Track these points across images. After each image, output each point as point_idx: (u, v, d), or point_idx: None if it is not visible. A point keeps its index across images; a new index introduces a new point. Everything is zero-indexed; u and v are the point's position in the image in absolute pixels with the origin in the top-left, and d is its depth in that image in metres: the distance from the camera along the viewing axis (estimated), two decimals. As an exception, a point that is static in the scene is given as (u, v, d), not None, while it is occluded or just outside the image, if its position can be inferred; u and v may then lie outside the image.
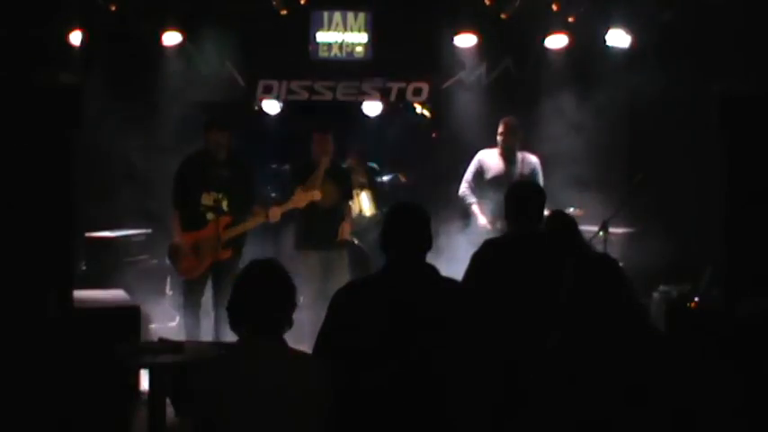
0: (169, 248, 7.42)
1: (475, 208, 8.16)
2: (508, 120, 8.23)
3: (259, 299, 3.55)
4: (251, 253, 7.85)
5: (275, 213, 7.49)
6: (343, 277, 7.69)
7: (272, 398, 3.42)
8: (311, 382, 3.49)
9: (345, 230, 7.94)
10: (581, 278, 3.85)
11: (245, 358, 3.53)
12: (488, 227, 7.99)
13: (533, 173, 8.11)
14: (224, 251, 7.34)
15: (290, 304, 3.59)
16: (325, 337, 3.75)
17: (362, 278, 3.97)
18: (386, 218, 3.99)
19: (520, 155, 8.19)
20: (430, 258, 3.93)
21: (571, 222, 5.38)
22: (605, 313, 3.78)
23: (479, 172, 8.24)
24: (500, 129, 8.20)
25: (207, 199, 7.34)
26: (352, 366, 3.63)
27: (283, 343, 3.58)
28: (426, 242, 3.85)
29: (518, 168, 8.11)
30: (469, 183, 8.26)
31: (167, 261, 7.55)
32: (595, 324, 3.78)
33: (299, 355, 3.63)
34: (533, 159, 8.20)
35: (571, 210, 7.83)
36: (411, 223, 3.86)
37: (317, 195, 7.56)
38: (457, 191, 8.37)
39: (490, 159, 8.23)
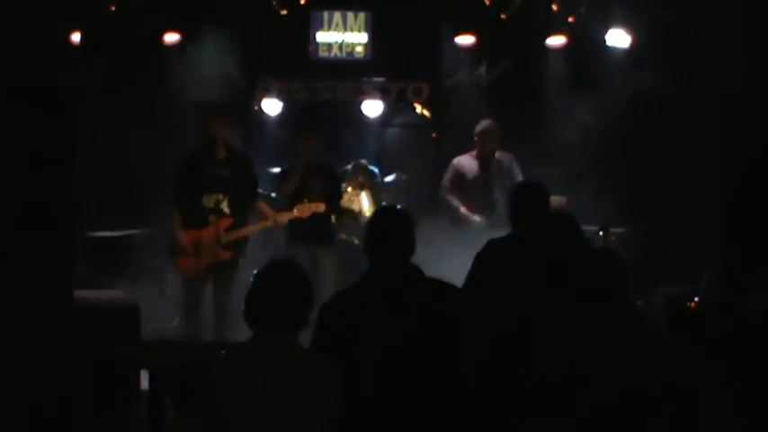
0: (169, 244, 7.42)
1: (463, 210, 8.15)
2: (487, 125, 8.20)
3: (276, 296, 3.53)
4: (253, 250, 7.87)
5: (283, 219, 7.51)
6: (331, 274, 7.72)
7: (280, 396, 3.42)
8: (321, 383, 3.48)
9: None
10: (583, 275, 3.86)
11: (255, 355, 3.53)
12: (484, 222, 7.99)
13: (511, 167, 8.10)
14: (224, 252, 7.33)
15: (308, 304, 3.57)
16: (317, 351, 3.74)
17: (346, 289, 3.95)
18: (369, 222, 4.00)
19: (495, 153, 8.18)
20: (431, 258, 3.93)
21: (572, 220, 5.38)
22: (606, 312, 3.78)
23: (457, 178, 8.23)
24: (478, 133, 8.17)
25: (208, 200, 7.33)
26: (348, 377, 3.62)
27: (296, 342, 3.58)
28: (410, 246, 3.85)
29: (495, 168, 8.11)
30: (447, 189, 8.26)
31: (168, 257, 7.54)
32: (595, 323, 3.78)
33: (311, 355, 3.62)
34: (508, 156, 8.20)
35: (554, 198, 7.78)
36: (394, 227, 3.86)
37: (320, 207, 7.58)
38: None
39: (466, 163, 8.22)
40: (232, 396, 3.45)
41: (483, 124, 8.20)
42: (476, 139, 8.17)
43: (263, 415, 3.42)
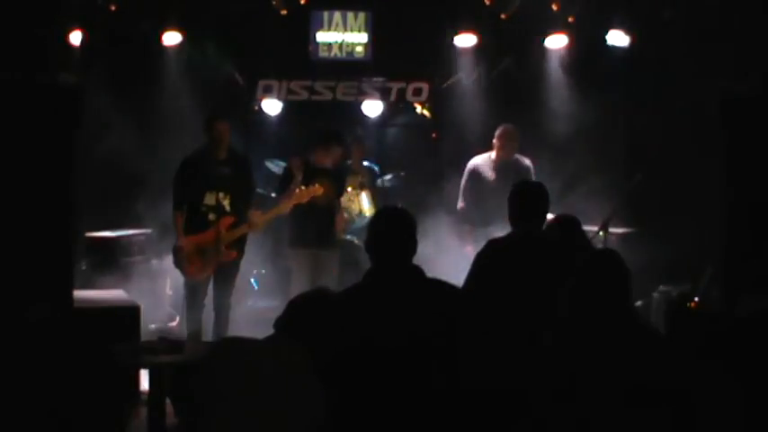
0: (174, 253, 7.41)
1: (467, 236, 8.05)
2: (506, 128, 8.16)
3: (306, 311, 3.66)
4: (253, 250, 7.88)
5: (256, 222, 7.46)
6: (333, 277, 7.72)
7: (255, 400, 3.44)
8: (303, 390, 3.49)
9: (339, 224, 8.05)
10: (586, 276, 3.86)
11: (245, 356, 3.58)
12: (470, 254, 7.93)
13: (528, 172, 8.08)
14: (229, 252, 7.33)
15: (328, 326, 3.65)
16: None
17: (348, 289, 3.95)
18: (371, 222, 3.99)
19: (513, 158, 8.17)
20: (430, 254, 3.93)
21: (575, 223, 5.38)
22: (607, 313, 3.78)
23: (474, 180, 8.20)
24: (497, 136, 8.15)
25: (209, 199, 7.32)
26: (349, 380, 3.63)
27: (302, 350, 3.61)
28: (412, 246, 3.85)
29: (511, 172, 8.09)
30: (466, 195, 8.21)
31: (174, 265, 7.52)
32: (596, 323, 3.79)
33: (303, 365, 3.63)
34: (527, 162, 8.17)
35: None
36: (396, 227, 3.86)
37: (319, 191, 7.58)
38: (455, 194, 8.37)
39: (483, 166, 8.17)
40: (213, 391, 3.49)
41: (503, 127, 8.15)
42: (495, 142, 8.15)
43: (239, 414, 3.43)
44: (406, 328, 3.68)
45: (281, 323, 3.67)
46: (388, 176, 9.82)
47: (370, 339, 3.67)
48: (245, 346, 3.68)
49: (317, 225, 7.75)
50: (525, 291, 4.71)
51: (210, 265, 7.33)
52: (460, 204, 8.22)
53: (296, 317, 3.64)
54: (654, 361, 3.74)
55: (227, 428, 3.44)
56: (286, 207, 7.62)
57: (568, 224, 5.31)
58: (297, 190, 7.55)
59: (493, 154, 8.15)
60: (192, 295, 7.43)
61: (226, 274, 7.41)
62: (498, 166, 8.11)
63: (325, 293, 3.78)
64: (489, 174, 8.14)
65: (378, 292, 3.77)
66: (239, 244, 7.45)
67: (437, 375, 3.66)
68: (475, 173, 8.16)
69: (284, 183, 7.82)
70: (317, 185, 7.57)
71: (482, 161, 8.19)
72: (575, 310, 3.86)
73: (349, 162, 9.35)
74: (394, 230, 3.84)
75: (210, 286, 7.47)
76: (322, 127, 8.40)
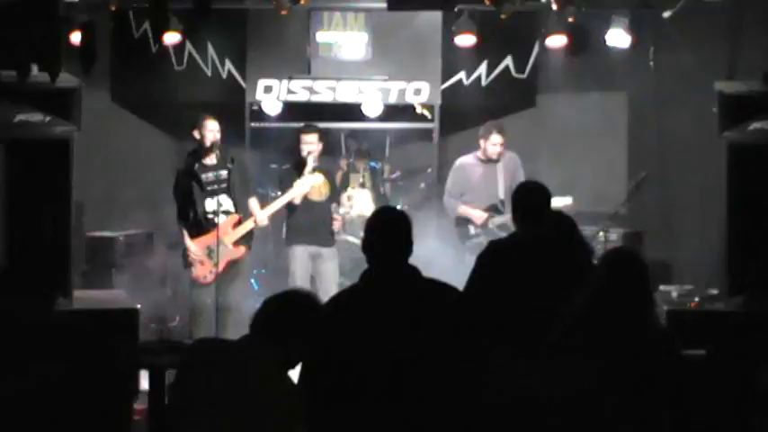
0: (183, 256, 7.42)
1: (462, 208, 8.13)
2: (492, 125, 8.19)
3: (283, 305, 3.62)
4: (252, 250, 7.88)
5: (261, 217, 7.49)
6: (331, 275, 7.74)
7: (228, 401, 3.42)
8: (281, 391, 3.48)
9: (336, 222, 8.13)
10: (610, 277, 3.85)
11: (219, 354, 3.57)
12: (484, 217, 7.98)
13: (516, 168, 8.11)
14: (237, 250, 7.37)
15: (305, 327, 3.61)
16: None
17: (345, 290, 3.94)
18: (368, 222, 3.99)
19: (499, 153, 8.16)
20: (430, 255, 3.92)
21: (570, 223, 5.37)
22: (630, 314, 3.77)
23: (461, 180, 8.22)
24: (482, 134, 8.16)
25: (210, 205, 7.35)
26: (344, 382, 3.63)
27: (278, 351, 3.57)
28: (408, 246, 3.85)
29: (500, 168, 8.10)
30: (451, 193, 8.25)
31: (185, 269, 7.51)
32: (618, 325, 3.77)
33: (280, 372, 3.60)
34: (513, 156, 8.20)
35: (560, 198, 7.72)
36: (392, 228, 3.85)
37: (318, 179, 7.60)
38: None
39: (470, 164, 8.23)
40: (188, 392, 3.50)
41: (488, 125, 8.20)
42: (480, 139, 8.17)
43: (209, 414, 3.42)
44: (402, 330, 3.67)
45: (256, 322, 3.63)
46: (391, 176, 9.81)
47: (365, 341, 3.65)
48: (220, 346, 3.68)
49: (313, 222, 7.79)
50: (528, 291, 4.70)
51: (220, 266, 7.33)
52: (445, 199, 8.26)
53: (270, 317, 3.61)
54: (663, 363, 3.75)
55: (202, 429, 3.42)
56: (287, 199, 7.62)
57: (563, 223, 5.30)
58: (297, 181, 7.58)
59: (479, 152, 8.18)
60: (198, 295, 7.43)
61: (233, 272, 7.43)
62: (484, 162, 8.15)
63: (300, 295, 3.74)
64: (476, 170, 8.17)
65: (374, 292, 3.76)
66: (247, 239, 7.49)
67: (434, 377, 3.65)
68: (461, 170, 8.23)
69: (291, 174, 7.83)
70: (315, 174, 7.62)
71: (468, 159, 8.25)
72: (596, 312, 3.83)
73: (351, 161, 9.36)
74: (390, 231, 3.83)
75: (212, 285, 7.47)
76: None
